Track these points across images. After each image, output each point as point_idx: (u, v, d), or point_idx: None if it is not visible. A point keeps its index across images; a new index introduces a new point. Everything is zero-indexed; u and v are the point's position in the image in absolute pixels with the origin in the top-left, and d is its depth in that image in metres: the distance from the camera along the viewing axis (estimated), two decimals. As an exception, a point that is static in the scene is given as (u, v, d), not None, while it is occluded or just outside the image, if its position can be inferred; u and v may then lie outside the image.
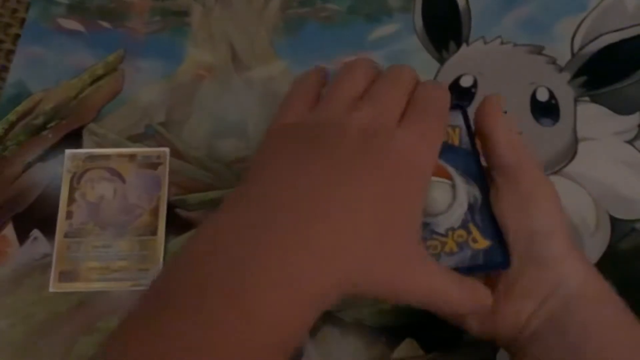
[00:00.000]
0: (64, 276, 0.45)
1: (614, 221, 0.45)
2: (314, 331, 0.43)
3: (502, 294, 0.35)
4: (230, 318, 0.25)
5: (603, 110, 0.49)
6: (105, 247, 0.45)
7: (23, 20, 0.54)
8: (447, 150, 0.36)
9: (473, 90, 0.50)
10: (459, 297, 0.32)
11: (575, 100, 0.49)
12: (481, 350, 0.42)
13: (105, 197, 0.47)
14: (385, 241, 0.29)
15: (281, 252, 0.26)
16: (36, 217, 0.47)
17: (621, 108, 0.49)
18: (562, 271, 0.34)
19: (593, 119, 0.49)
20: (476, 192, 0.36)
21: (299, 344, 0.27)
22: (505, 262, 0.34)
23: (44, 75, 0.52)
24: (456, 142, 0.37)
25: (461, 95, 0.49)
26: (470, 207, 0.35)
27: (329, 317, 0.43)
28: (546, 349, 0.33)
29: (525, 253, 0.34)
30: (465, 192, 0.35)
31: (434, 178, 0.35)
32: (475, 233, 0.35)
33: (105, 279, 0.45)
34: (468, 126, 0.37)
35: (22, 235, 0.46)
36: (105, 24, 0.54)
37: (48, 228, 0.46)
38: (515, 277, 0.34)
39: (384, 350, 0.43)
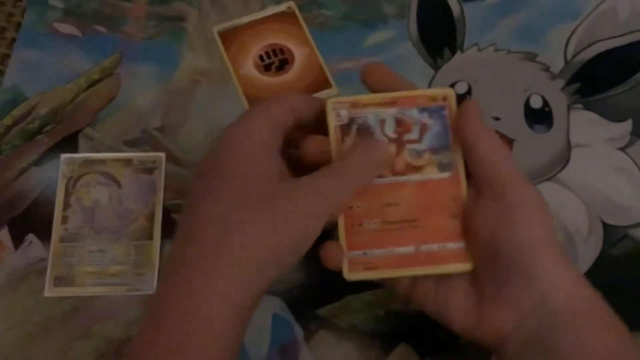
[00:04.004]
0: (59, 281, 0.45)
1: (606, 227, 0.46)
2: (309, 336, 0.43)
3: (488, 299, 0.35)
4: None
5: (596, 117, 0.49)
6: (100, 252, 0.45)
7: (19, 25, 0.54)
8: None
9: (467, 97, 0.50)
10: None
11: (569, 107, 0.50)
12: (476, 355, 0.42)
13: (100, 201, 0.47)
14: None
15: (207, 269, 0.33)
16: (31, 221, 0.47)
17: (614, 115, 0.49)
18: (549, 282, 0.33)
19: (586, 126, 0.49)
20: None
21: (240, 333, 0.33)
22: None
23: (39, 80, 0.52)
24: None
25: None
26: None
27: (323, 323, 0.44)
28: None
29: (512, 263, 0.33)
30: None
31: None
32: None
33: (100, 284, 0.45)
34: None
35: (17, 240, 0.46)
36: (101, 29, 0.54)
37: (43, 232, 0.46)
38: (502, 286, 0.34)
39: (378, 355, 0.43)
